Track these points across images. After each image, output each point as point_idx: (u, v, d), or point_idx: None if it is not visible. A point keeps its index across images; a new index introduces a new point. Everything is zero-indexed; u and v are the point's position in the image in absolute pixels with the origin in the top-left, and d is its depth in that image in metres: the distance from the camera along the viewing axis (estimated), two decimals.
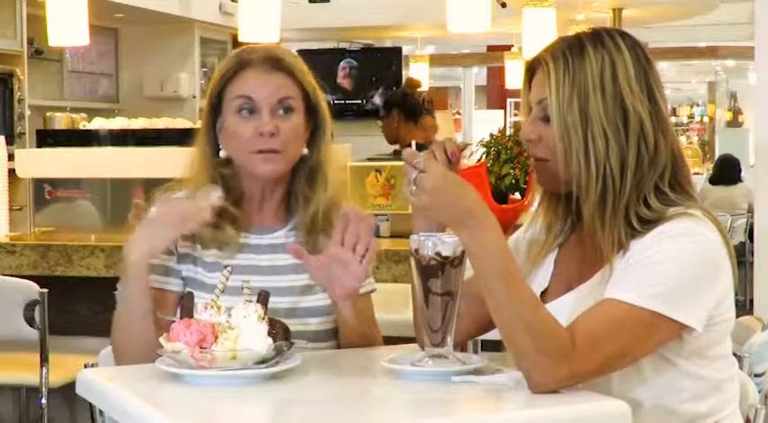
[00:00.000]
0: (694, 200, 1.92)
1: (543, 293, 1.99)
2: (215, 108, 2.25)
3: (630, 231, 1.86)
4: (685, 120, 19.30)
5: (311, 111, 2.26)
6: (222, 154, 2.24)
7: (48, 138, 4.99)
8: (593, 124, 1.86)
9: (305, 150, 2.25)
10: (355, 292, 2.10)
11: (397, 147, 6.35)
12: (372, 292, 2.33)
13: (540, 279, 2.01)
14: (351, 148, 5.03)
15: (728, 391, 1.94)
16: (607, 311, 1.79)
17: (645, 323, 1.78)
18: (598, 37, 1.92)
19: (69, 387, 2.37)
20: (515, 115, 16.34)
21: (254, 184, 2.25)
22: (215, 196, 2.08)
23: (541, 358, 1.75)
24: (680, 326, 1.81)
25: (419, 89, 7.60)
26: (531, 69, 1.98)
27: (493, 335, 2.04)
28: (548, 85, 1.90)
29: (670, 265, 1.80)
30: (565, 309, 1.87)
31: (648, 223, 1.85)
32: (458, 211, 1.78)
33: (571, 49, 1.91)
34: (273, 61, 2.22)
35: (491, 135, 4.56)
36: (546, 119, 1.92)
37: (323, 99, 2.29)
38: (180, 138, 4.34)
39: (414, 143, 1.91)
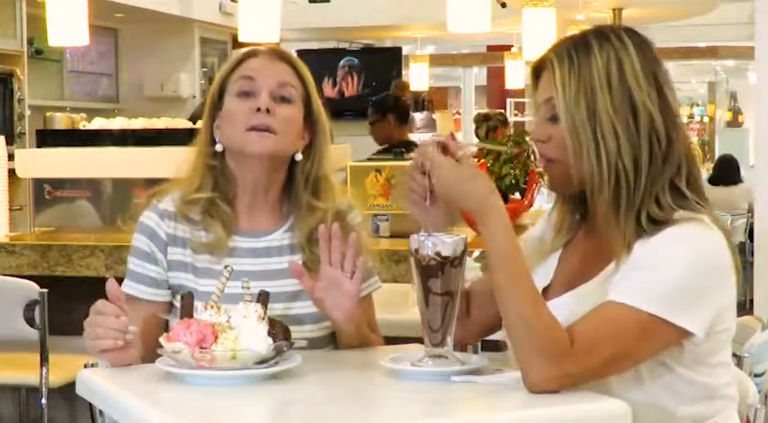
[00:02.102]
0: (705, 201, 1.89)
1: (545, 291, 1.98)
2: (216, 105, 2.26)
3: (638, 230, 1.84)
4: (685, 120, 19.27)
5: (310, 115, 2.26)
6: (218, 147, 2.23)
7: (48, 138, 4.98)
8: (602, 122, 1.84)
9: (299, 156, 2.25)
10: (354, 313, 2.10)
11: (386, 145, 6.50)
12: (377, 289, 2.33)
13: (543, 277, 1.99)
14: (350, 148, 5.03)
15: (726, 396, 1.93)
16: (607, 314, 1.79)
17: (644, 327, 1.77)
18: (603, 34, 1.91)
19: (69, 387, 2.37)
20: (515, 115, 16.32)
21: (247, 177, 2.23)
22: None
23: (537, 356, 1.75)
24: (680, 331, 1.79)
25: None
26: (538, 70, 1.96)
27: (493, 335, 2.05)
28: (553, 84, 1.88)
29: (673, 269, 1.79)
30: (564, 308, 1.86)
31: (656, 223, 1.83)
32: (469, 204, 1.85)
33: (576, 48, 1.89)
34: (279, 53, 2.28)
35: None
36: (554, 118, 1.90)
37: (323, 112, 2.29)
38: (180, 138, 4.33)
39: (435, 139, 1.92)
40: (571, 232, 2.01)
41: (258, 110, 2.17)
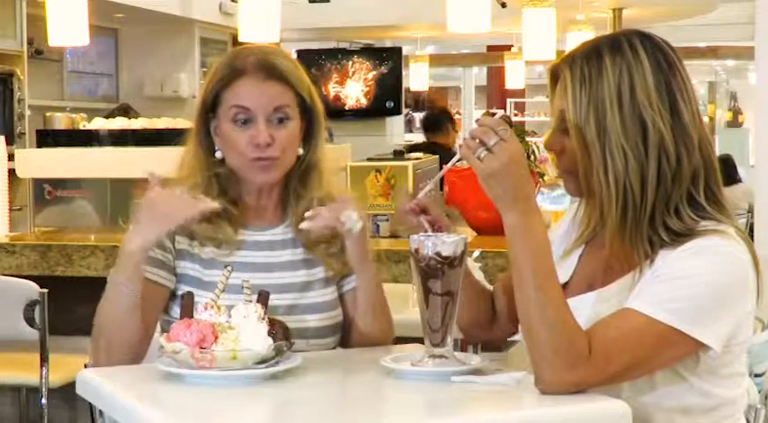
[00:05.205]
0: (727, 212, 1.87)
1: (563, 288, 1.92)
2: (208, 109, 2.25)
3: (659, 241, 1.83)
4: None
5: (306, 112, 2.26)
6: (218, 155, 2.25)
7: (48, 138, 5.00)
8: (611, 141, 1.82)
9: (300, 151, 2.26)
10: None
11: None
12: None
13: (562, 273, 1.95)
14: (350, 148, 5.04)
15: (736, 404, 1.93)
16: (626, 322, 1.78)
17: (662, 338, 1.77)
18: (617, 45, 1.87)
19: (69, 387, 2.37)
20: (515, 115, 16.33)
21: (250, 186, 2.26)
22: (211, 204, 2.10)
23: (555, 358, 1.74)
24: (697, 344, 1.79)
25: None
26: (554, 75, 1.93)
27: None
28: (565, 99, 1.87)
29: (695, 283, 1.78)
30: (584, 309, 1.86)
31: (678, 235, 1.82)
32: (518, 190, 1.78)
33: (588, 61, 1.86)
34: (268, 69, 2.20)
35: None
36: (566, 131, 1.88)
37: (318, 100, 2.29)
38: (180, 138, 4.34)
39: (500, 111, 1.91)
40: (596, 231, 1.99)
41: (258, 145, 2.17)
